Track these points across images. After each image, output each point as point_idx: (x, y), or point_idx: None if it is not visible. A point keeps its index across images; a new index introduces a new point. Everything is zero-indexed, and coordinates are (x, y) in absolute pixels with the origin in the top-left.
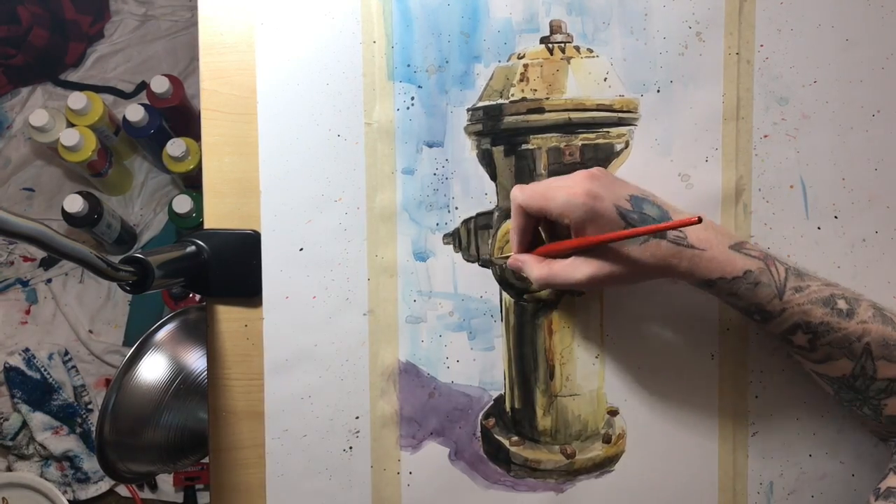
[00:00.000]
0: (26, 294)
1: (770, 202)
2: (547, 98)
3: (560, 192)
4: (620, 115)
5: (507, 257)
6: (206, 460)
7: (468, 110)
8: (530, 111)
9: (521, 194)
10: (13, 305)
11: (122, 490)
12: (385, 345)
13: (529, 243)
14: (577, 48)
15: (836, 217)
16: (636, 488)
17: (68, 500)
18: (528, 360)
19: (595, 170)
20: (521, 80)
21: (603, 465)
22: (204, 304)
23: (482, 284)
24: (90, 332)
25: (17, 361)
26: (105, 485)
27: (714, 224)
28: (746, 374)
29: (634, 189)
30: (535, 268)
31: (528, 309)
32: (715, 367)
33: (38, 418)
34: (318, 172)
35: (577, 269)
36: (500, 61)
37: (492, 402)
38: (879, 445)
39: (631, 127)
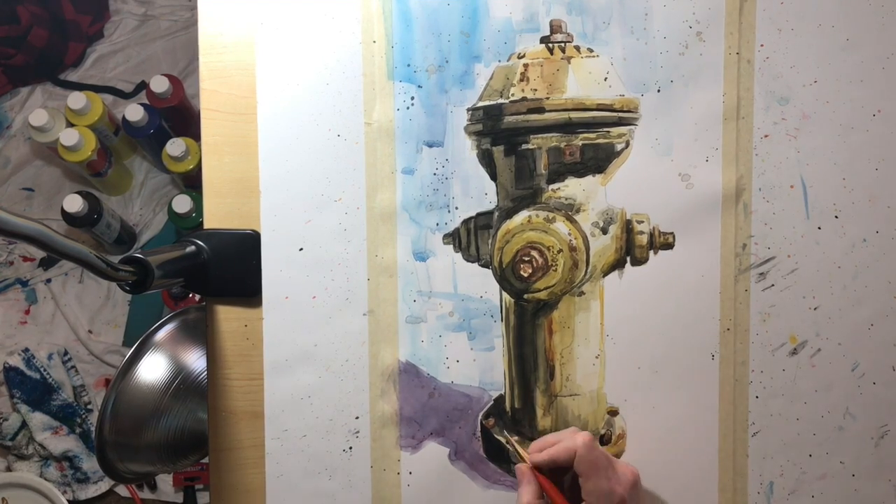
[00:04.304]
0: (26, 294)
1: (770, 202)
2: (547, 98)
3: (603, 479)
4: (621, 114)
5: (522, 458)
6: (206, 460)
7: (468, 110)
8: (530, 111)
9: (584, 447)
10: (13, 305)
11: (122, 490)
12: (385, 345)
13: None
14: (578, 48)
15: (836, 217)
16: None
17: (68, 500)
18: (528, 360)
19: (636, 481)
20: (522, 80)
21: None
22: (204, 304)
23: (482, 284)
24: (90, 332)
25: (16, 361)
26: (105, 485)
27: None
28: (746, 374)
29: None
30: (527, 496)
31: (529, 309)
32: (715, 367)
33: (37, 418)
34: (318, 172)
35: None
36: (500, 61)
37: (492, 402)
38: (880, 445)
39: (631, 127)
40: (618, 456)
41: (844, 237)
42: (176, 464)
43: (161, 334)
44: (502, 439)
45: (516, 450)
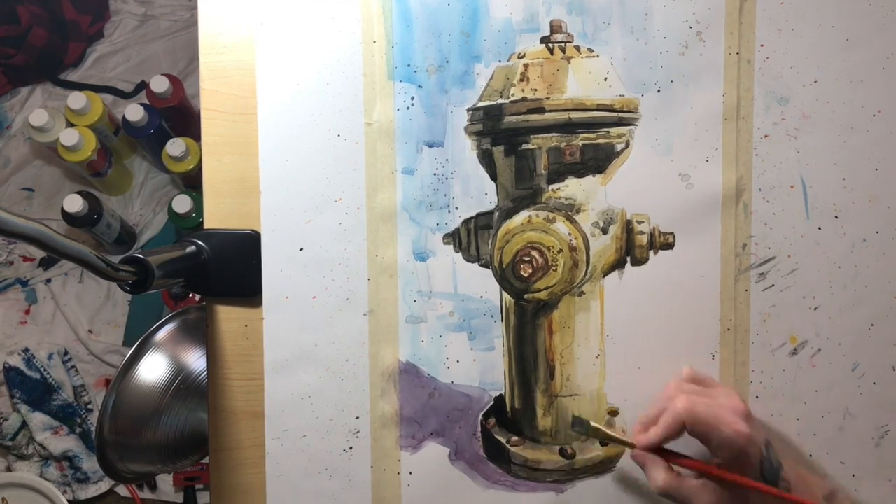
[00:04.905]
0: (26, 294)
1: (770, 202)
2: (547, 98)
3: (726, 428)
4: (621, 114)
5: (629, 444)
6: (206, 460)
7: (468, 110)
8: (530, 111)
9: (687, 412)
10: (13, 305)
11: (122, 490)
12: (385, 345)
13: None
14: (578, 48)
15: (836, 217)
16: (636, 488)
17: (68, 500)
18: (528, 361)
19: (746, 407)
20: (522, 80)
21: (603, 465)
22: (204, 304)
23: (482, 285)
24: (90, 332)
25: (16, 361)
26: (105, 485)
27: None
28: (746, 374)
29: (765, 433)
30: (662, 474)
31: (529, 309)
32: (715, 367)
33: (37, 418)
34: (318, 172)
35: (705, 494)
36: (500, 61)
37: (492, 402)
38: (880, 445)
39: (631, 127)
40: (618, 456)
41: (844, 237)
42: (176, 464)
43: (161, 334)
44: (590, 423)
45: (613, 438)
